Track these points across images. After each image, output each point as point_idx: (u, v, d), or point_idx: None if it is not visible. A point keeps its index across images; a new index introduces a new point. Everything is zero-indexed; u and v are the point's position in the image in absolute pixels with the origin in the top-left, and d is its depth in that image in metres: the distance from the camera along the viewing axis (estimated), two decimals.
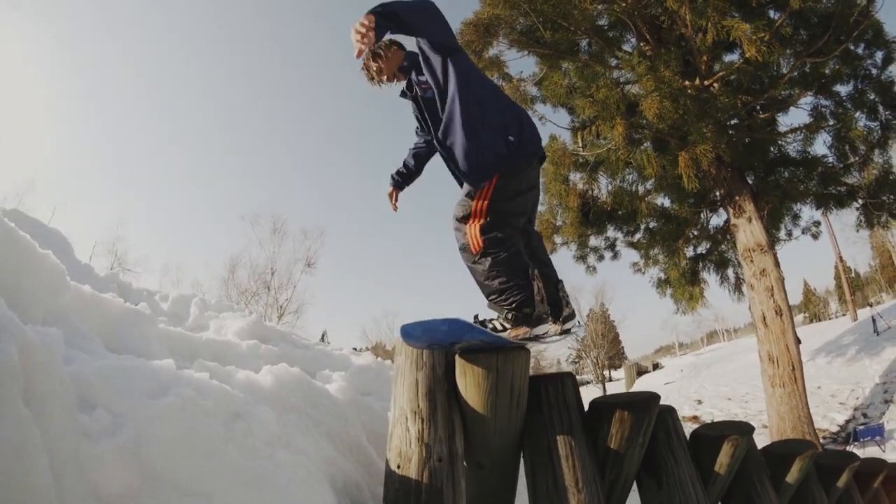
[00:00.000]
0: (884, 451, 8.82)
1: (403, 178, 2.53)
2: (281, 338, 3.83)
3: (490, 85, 2.00)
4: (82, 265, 3.90)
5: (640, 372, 31.10)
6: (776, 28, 7.88)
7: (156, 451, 1.21)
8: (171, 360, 1.61)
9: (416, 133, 2.44)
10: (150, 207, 66.03)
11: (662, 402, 1.89)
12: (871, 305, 23.63)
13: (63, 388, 1.09)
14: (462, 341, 1.58)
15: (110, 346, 1.89)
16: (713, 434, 2.15)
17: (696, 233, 11.24)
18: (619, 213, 10.72)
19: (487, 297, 1.82)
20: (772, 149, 10.07)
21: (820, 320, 43.37)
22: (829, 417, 11.15)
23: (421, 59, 1.96)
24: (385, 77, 2.18)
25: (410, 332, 1.58)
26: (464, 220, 1.81)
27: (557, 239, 11.54)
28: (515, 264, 1.79)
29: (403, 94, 2.22)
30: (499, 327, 1.72)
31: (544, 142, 6.59)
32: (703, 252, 11.46)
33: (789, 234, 11.34)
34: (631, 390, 24.82)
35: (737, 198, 9.25)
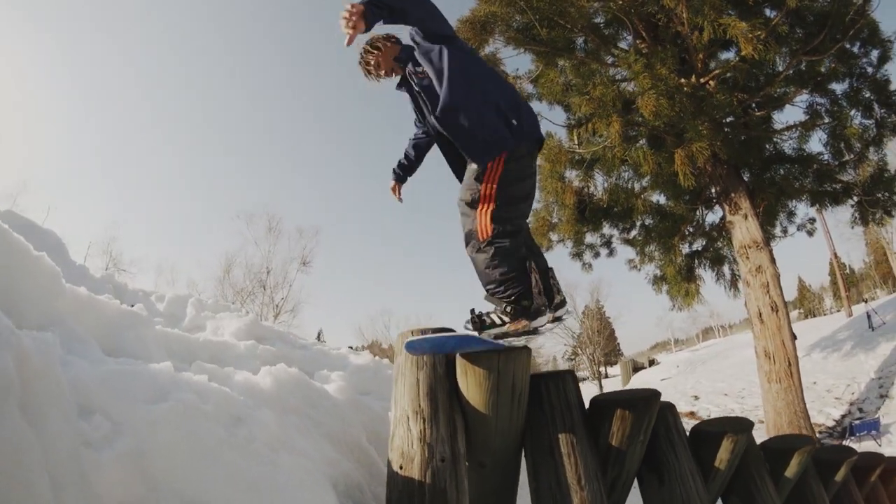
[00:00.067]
0: (880, 446, 8.88)
1: (404, 171, 2.52)
2: (278, 338, 3.81)
3: (489, 69, 1.99)
4: (77, 266, 3.88)
5: (636, 368, 31.19)
6: (773, 26, 7.91)
7: (157, 458, 1.19)
8: (170, 363, 1.59)
9: (416, 125, 2.42)
10: (144, 207, 65.66)
11: None
12: (865, 301, 23.76)
13: (61, 396, 1.07)
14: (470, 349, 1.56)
15: (107, 349, 1.87)
16: (713, 430, 2.16)
17: (691, 230, 11.28)
18: (615, 210, 10.74)
19: (486, 288, 1.80)
20: (767, 146, 10.11)
21: (815, 316, 43.63)
22: (825, 412, 11.22)
23: (416, 49, 1.94)
24: (383, 71, 2.16)
25: (416, 347, 1.57)
26: (472, 204, 1.78)
27: (553, 236, 11.55)
28: (517, 255, 1.78)
29: (399, 87, 2.20)
30: (497, 320, 1.71)
31: None
32: (699, 249, 11.50)
33: (785, 231, 11.41)
34: (627, 386, 24.92)
35: (732, 195, 9.28)
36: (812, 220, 11.59)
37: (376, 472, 1.95)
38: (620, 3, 8.88)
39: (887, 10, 9.61)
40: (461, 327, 1.73)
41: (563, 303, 2.14)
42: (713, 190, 10.06)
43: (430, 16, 1.91)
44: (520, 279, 1.75)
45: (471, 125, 1.80)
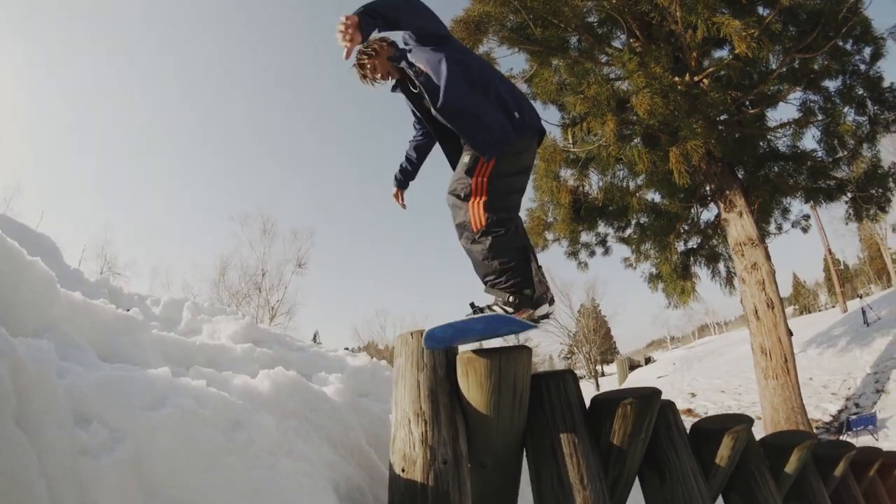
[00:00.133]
0: (877, 440, 8.93)
1: (406, 175, 2.49)
2: (275, 340, 3.79)
3: (487, 64, 1.98)
4: (72, 270, 3.84)
5: (633, 366, 31.26)
6: (766, 24, 7.95)
7: (156, 465, 1.17)
8: (167, 368, 1.57)
9: (414, 127, 2.39)
10: (138, 209, 65.36)
11: None
12: (860, 297, 23.95)
13: (58, 405, 1.05)
14: (502, 334, 1.54)
15: (103, 354, 1.84)
16: (714, 427, 2.16)
17: (686, 227, 11.33)
18: (611, 208, 10.77)
19: (485, 280, 1.78)
20: (761, 144, 10.18)
21: (810, 312, 43.87)
22: (821, 408, 11.28)
23: (410, 52, 1.93)
24: (378, 75, 2.15)
25: (437, 336, 1.52)
26: (464, 198, 1.76)
27: (549, 235, 11.58)
28: (516, 244, 1.76)
29: (395, 89, 2.18)
30: (501, 312, 1.68)
31: None
32: (695, 246, 11.55)
33: (779, 228, 11.48)
34: (624, 384, 24.96)
35: (727, 192, 9.32)
36: (806, 217, 11.67)
37: (377, 475, 1.94)
38: (614, 1, 8.90)
39: (880, 7, 9.70)
40: None
41: (552, 300, 2.13)
42: (708, 188, 10.10)
43: (425, 19, 1.90)
44: (520, 268, 1.74)
45: (472, 124, 1.78)
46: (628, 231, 11.65)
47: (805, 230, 11.62)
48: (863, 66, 9.45)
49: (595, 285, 45.30)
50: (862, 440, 8.88)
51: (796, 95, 9.78)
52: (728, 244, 9.62)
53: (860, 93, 9.53)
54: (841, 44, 9.15)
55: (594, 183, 11.14)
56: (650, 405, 1.78)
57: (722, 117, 9.30)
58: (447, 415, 1.57)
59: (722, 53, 9.72)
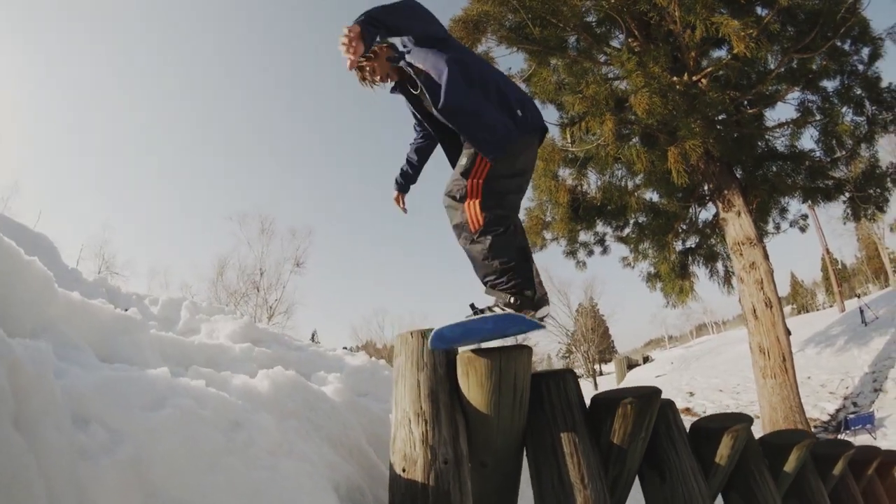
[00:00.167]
0: (875, 439, 8.96)
1: (407, 179, 2.46)
2: (274, 340, 3.78)
3: (487, 63, 1.97)
4: (70, 270, 3.84)
5: (631, 365, 31.29)
6: (764, 24, 7.96)
7: (156, 466, 1.16)
8: (166, 369, 1.56)
9: (415, 129, 2.37)
10: (136, 209, 65.27)
11: None
12: (858, 296, 24.00)
13: (56, 407, 1.03)
14: (511, 334, 1.52)
15: (102, 355, 1.83)
16: (714, 426, 2.16)
17: (685, 227, 11.33)
18: (609, 208, 10.77)
19: (485, 280, 1.77)
20: (760, 143, 10.19)
21: (808, 311, 43.99)
22: (819, 407, 11.31)
23: (410, 53, 1.91)
24: (378, 77, 2.13)
25: (445, 336, 1.50)
26: (459, 199, 1.75)
27: (547, 234, 11.59)
28: (515, 244, 1.75)
29: (395, 91, 2.17)
30: (502, 313, 1.67)
31: None
32: (693, 246, 11.56)
33: (777, 228, 11.49)
34: (622, 384, 24.94)
35: (725, 192, 9.33)
36: (804, 217, 11.68)
37: (377, 475, 1.93)
38: (612, 1, 8.91)
39: (878, 7, 9.72)
40: None
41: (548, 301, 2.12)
42: (706, 187, 10.12)
43: (426, 23, 1.89)
44: (521, 269, 1.73)
45: (473, 123, 1.77)
46: (626, 230, 11.66)
47: (803, 230, 11.64)
48: (861, 67, 9.48)
49: (593, 284, 45.40)
50: (860, 439, 8.91)
51: (794, 95, 9.81)
52: (726, 243, 9.63)
53: (858, 93, 9.55)
54: (839, 44, 9.17)
55: (592, 182, 11.16)
56: (650, 404, 1.78)
57: (720, 117, 9.31)
58: (448, 414, 1.56)
59: (720, 53, 9.74)
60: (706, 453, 2.14)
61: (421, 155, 2.42)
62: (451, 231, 1.83)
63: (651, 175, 9.73)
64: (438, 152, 2.25)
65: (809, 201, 10.63)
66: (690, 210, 11.09)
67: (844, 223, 11.67)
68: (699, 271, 11.39)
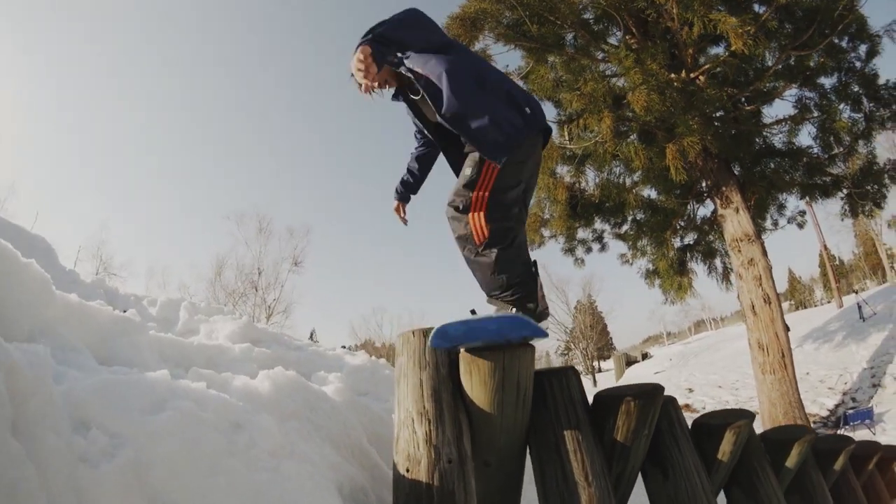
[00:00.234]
0: (874, 434, 8.99)
1: (408, 188, 2.41)
2: (273, 339, 3.77)
3: (489, 64, 1.94)
4: (67, 271, 3.82)
5: (629, 362, 31.35)
6: (762, 21, 7.96)
7: (157, 470, 1.15)
8: (166, 371, 1.54)
9: (415, 137, 2.33)
10: (134, 209, 65.15)
11: None
12: (855, 292, 24.09)
13: (55, 412, 1.02)
14: (512, 339, 1.49)
15: (100, 357, 1.82)
16: (716, 423, 2.16)
17: (683, 224, 11.34)
18: (607, 205, 10.78)
19: (490, 293, 1.75)
20: (757, 140, 10.20)
21: (805, 307, 44.15)
22: (818, 402, 11.35)
23: (409, 58, 1.87)
24: (377, 84, 2.10)
25: (450, 333, 1.47)
26: (463, 210, 1.71)
27: (546, 232, 11.60)
28: (522, 257, 1.73)
29: (396, 98, 2.11)
30: (507, 314, 1.66)
31: None
32: (691, 242, 11.57)
33: (775, 224, 11.52)
34: (621, 380, 24.94)
35: (724, 189, 9.34)
36: (802, 213, 11.71)
37: (378, 475, 1.92)
38: None
39: (876, 4, 9.73)
40: None
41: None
42: (704, 184, 10.12)
43: (429, 32, 1.86)
44: (526, 283, 1.71)
45: (480, 124, 1.70)
46: (625, 227, 11.68)
47: (801, 226, 11.67)
48: (858, 64, 9.49)
49: (591, 281, 45.48)
50: (859, 434, 8.93)
51: (792, 92, 9.82)
52: (724, 240, 9.64)
53: (856, 90, 9.56)
54: (837, 41, 9.17)
55: (591, 179, 11.17)
56: (654, 401, 1.77)
57: (718, 114, 9.32)
58: (451, 414, 1.55)
59: (718, 50, 9.75)
60: (708, 450, 2.14)
61: (422, 164, 2.37)
62: (450, 232, 1.80)
63: (649, 172, 9.74)
64: (441, 161, 2.21)
65: (807, 198, 10.65)
66: (689, 207, 11.10)
67: (842, 219, 11.70)
68: (697, 268, 11.43)
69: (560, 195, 10.45)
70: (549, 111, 10.55)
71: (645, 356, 34.54)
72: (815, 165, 10.00)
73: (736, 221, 9.12)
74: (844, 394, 11.51)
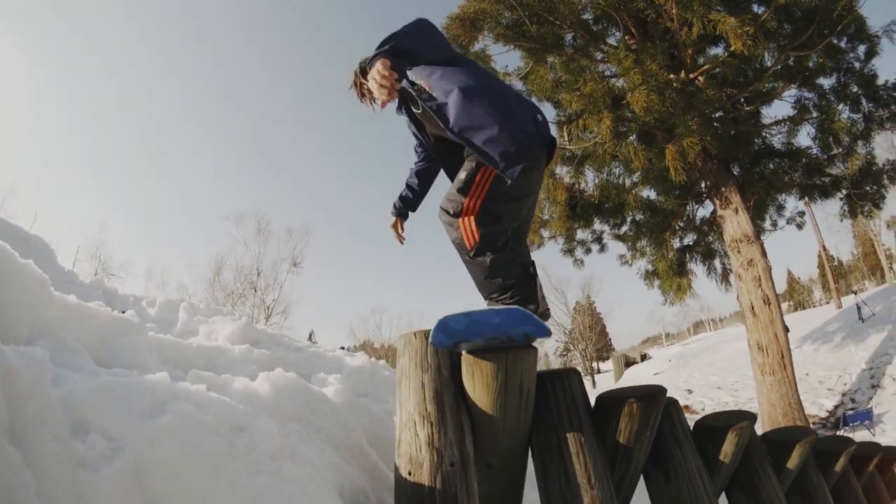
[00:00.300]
0: (873, 435, 8.99)
1: (407, 204, 2.34)
2: (272, 341, 3.75)
3: (496, 78, 1.93)
4: (66, 272, 3.80)
5: (628, 363, 31.34)
6: (761, 22, 7.96)
7: (157, 474, 1.13)
8: (166, 373, 1.52)
9: (415, 151, 2.29)
10: (133, 210, 65.10)
11: None
12: (854, 293, 24.11)
13: (53, 416, 1.00)
14: (514, 335, 1.46)
15: (99, 359, 1.80)
16: (717, 424, 2.16)
17: (682, 225, 11.34)
18: (606, 206, 10.78)
19: (488, 296, 1.73)
20: (757, 141, 10.20)
21: (804, 308, 44.21)
22: (818, 403, 11.35)
23: (411, 70, 1.84)
24: (394, 97, 2.07)
25: (451, 326, 1.44)
26: (454, 215, 1.69)
27: (545, 233, 11.61)
28: (518, 260, 1.72)
29: (399, 111, 2.08)
30: (511, 307, 1.64)
31: None
32: (690, 243, 11.57)
33: (774, 225, 11.54)
34: (620, 381, 24.91)
35: (723, 189, 9.34)
36: (801, 214, 11.73)
37: (379, 477, 1.91)
38: None
39: (874, 5, 9.74)
40: None
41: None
42: (703, 185, 10.13)
43: (438, 43, 1.83)
44: (524, 285, 1.70)
45: (490, 136, 1.66)
46: (624, 228, 11.68)
47: (800, 227, 11.69)
48: (857, 64, 9.49)
49: (591, 282, 45.53)
50: (858, 435, 8.93)
51: (791, 93, 9.83)
52: (724, 241, 9.64)
53: (855, 90, 9.56)
54: (836, 41, 9.17)
55: (590, 180, 11.18)
56: (656, 403, 1.76)
57: (717, 114, 9.32)
58: (453, 416, 1.54)
59: (717, 51, 9.76)
60: (710, 451, 2.13)
61: (422, 179, 2.33)
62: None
63: (649, 173, 9.74)
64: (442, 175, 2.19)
65: (806, 198, 10.66)
66: (688, 207, 11.10)
67: (841, 220, 11.71)
68: (697, 269, 11.43)
69: (559, 196, 10.44)
70: (549, 112, 10.56)
71: (644, 357, 34.53)
72: (814, 166, 10.01)
73: (735, 222, 9.12)
74: (843, 395, 11.52)
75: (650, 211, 11.01)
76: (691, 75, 9.00)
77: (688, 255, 11.41)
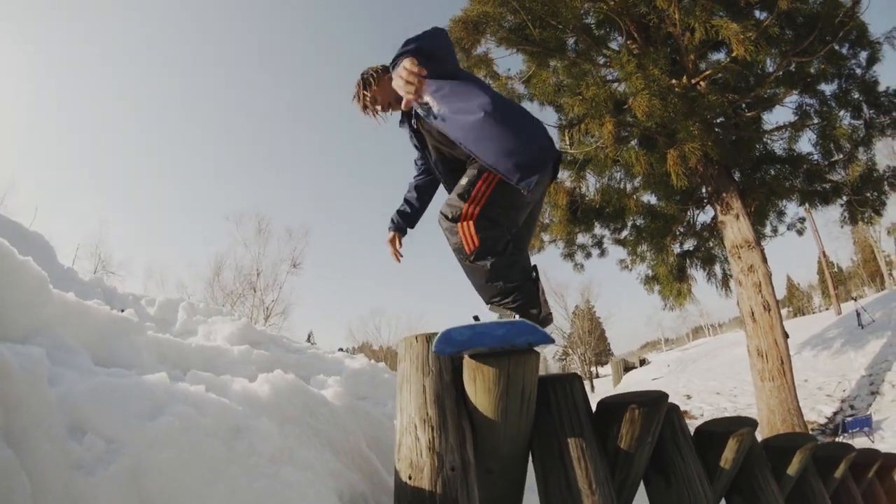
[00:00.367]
0: (872, 442, 8.97)
1: (405, 219, 2.31)
2: (271, 341, 3.74)
3: (501, 94, 1.93)
4: (65, 269, 3.79)
5: (627, 368, 31.31)
6: (763, 28, 7.96)
7: (155, 477, 1.11)
8: (164, 374, 1.50)
9: (416, 163, 2.29)
10: (134, 208, 65.13)
11: None
12: (854, 299, 24.06)
13: (50, 417, 0.99)
14: (517, 343, 1.45)
15: (98, 358, 1.79)
16: (718, 430, 2.15)
17: (682, 230, 11.33)
18: (607, 210, 10.77)
19: (490, 300, 1.72)
20: (758, 146, 10.18)
21: (804, 314, 44.19)
22: (816, 409, 11.33)
23: (427, 87, 1.85)
24: (379, 107, 2.04)
25: (454, 338, 1.43)
26: (453, 220, 1.69)
27: (545, 237, 11.59)
28: (519, 264, 1.71)
29: (402, 124, 2.08)
30: (514, 320, 1.63)
31: None
32: (691, 249, 11.56)
33: (775, 231, 11.52)
34: (619, 386, 24.89)
35: (724, 195, 9.33)
36: (802, 220, 11.71)
37: (378, 481, 1.90)
38: (612, 3, 8.91)
39: (876, 12, 9.75)
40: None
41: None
42: (704, 190, 10.12)
43: (451, 55, 1.83)
44: (525, 288, 1.69)
45: (500, 147, 1.66)
46: (625, 233, 11.67)
47: (800, 233, 11.67)
48: (859, 71, 9.48)
49: (590, 287, 45.59)
50: (857, 442, 8.91)
51: (792, 99, 9.82)
52: (724, 246, 9.62)
53: (856, 97, 9.56)
54: (837, 48, 9.18)
55: (591, 184, 11.16)
56: (658, 409, 1.75)
57: (719, 120, 9.31)
58: (454, 421, 1.53)
59: (719, 56, 9.74)
60: (711, 457, 2.12)
61: (421, 193, 2.31)
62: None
63: (650, 177, 9.73)
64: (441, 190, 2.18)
65: (807, 204, 10.64)
66: (689, 213, 11.10)
67: (842, 226, 11.71)
68: (697, 274, 11.41)
69: (560, 200, 10.43)
70: (551, 116, 10.56)
71: (643, 362, 34.50)
72: (815, 172, 10.00)
73: (736, 228, 9.11)
74: (843, 401, 11.50)
75: (651, 216, 11.00)
76: (693, 80, 8.99)
77: (688, 261, 11.40)
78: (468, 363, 1.50)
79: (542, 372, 1.89)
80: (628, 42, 9.50)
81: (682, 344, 49.79)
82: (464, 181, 1.73)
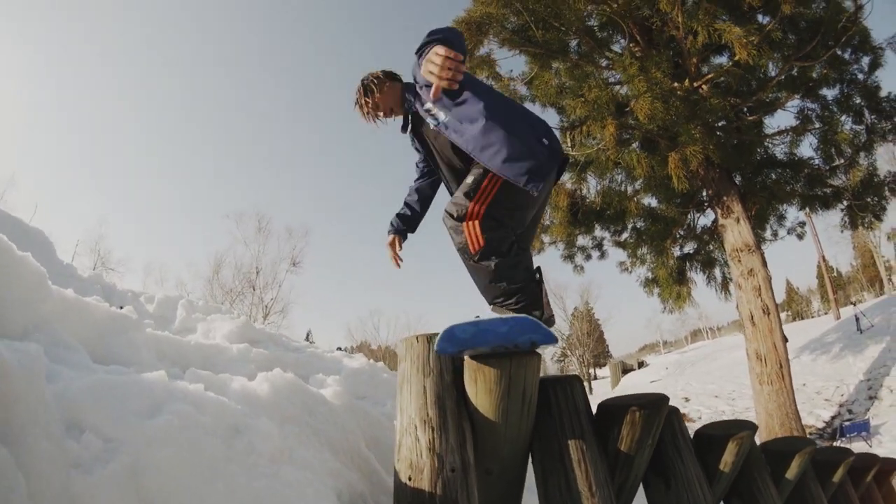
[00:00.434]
0: (870, 447, 8.97)
1: (405, 222, 2.30)
2: (270, 340, 3.74)
3: (501, 94, 1.93)
4: (65, 265, 3.79)
5: (626, 370, 31.29)
6: (766, 32, 7.96)
7: (153, 476, 1.10)
8: (163, 372, 1.49)
9: (417, 166, 2.28)
10: (134, 205, 65.13)
11: None
12: (853, 304, 24.08)
13: (47, 415, 0.98)
14: (521, 343, 1.44)
15: (96, 355, 1.78)
16: (718, 434, 2.14)
17: (683, 233, 11.34)
18: (608, 212, 10.77)
19: (493, 301, 1.72)
20: (759, 150, 10.19)
21: (803, 318, 44.23)
22: (815, 414, 11.33)
23: (421, 87, 1.83)
24: (381, 113, 2.03)
25: (457, 336, 1.41)
26: (458, 219, 1.69)
27: (546, 238, 11.59)
28: (523, 264, 1.70)
29: (405, 130, 2.08)
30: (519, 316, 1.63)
31: None
32: (691, 252, 11.56)
33: (775, 235, 11.52)
34: (617, 388, 24.88)
35: (725, 198, 9.33)
36: (802, 224, 11.71)
37: (377, 481, 1.89)
38: (615, 6, 8.90)
39: (879, 17, 9.75)
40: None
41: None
42: (705, 193, 10.12)
43: (465, 53, 1.82)
44: (529, 289, 1.68)
45: (505, 152, 1.66)
46: (625, 235, 11.67)
47: (801, 237, 11.67)
48: (861, 76, 9.49)
49: (590, 289, 45.58)
50: (855, 446, 8.91)
51: (794, 103, 9.82)
52: (724, 250, 9.62)
53: (858, 102, 9.56)
54: (840, 53, 9.18)
55: (592, 187, 11.16)
56: (659, 411, 1.75)
57: (721, 123, 9.31)
58: (454, 421, 1.52)
59: (721, 60, 9.76)
60: (710, 460, 2.12)
61: (422, 196, 2.30)
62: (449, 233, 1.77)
63: (651, 180, 9.74)
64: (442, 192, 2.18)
65: (807, 209, 10.65)
66: (689, 216, 11.10)
67: (842, 231, 11.69)
68: (697, 277, 11.41)
69: (561, 202, 10.44)
70: (553, 117, 10.55)
71: (641, 364, 34.47)
72: (815, 177, 10.00)
73: (736, 231, 9.11)
74: (841, 405, 11.50)
75: (651, 218, 11.00)
76: (695, 84, 8.99)
77: (688, 264, 11.40)
78: (469, 364, 1.49)
79: (540, 373, 1.89)
80: (631, 45, 9.51)
81: (681, 347, 49.81)
82: (469, 180, 1.73)
